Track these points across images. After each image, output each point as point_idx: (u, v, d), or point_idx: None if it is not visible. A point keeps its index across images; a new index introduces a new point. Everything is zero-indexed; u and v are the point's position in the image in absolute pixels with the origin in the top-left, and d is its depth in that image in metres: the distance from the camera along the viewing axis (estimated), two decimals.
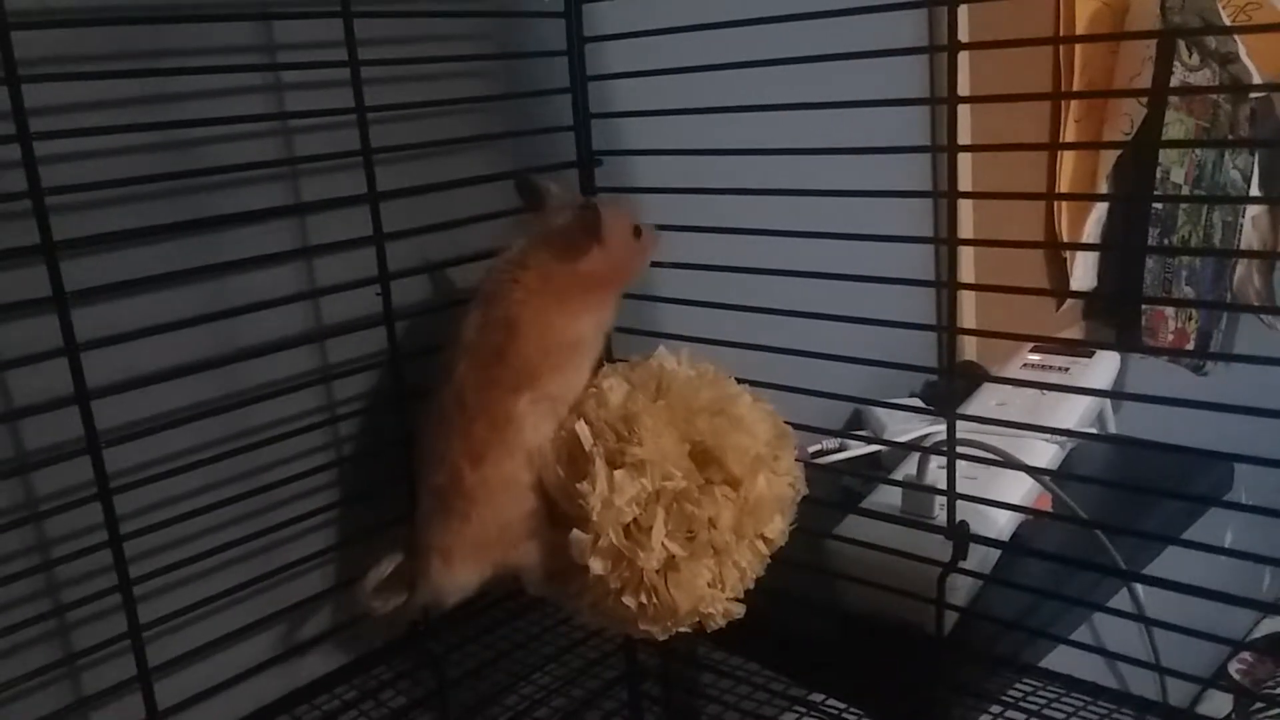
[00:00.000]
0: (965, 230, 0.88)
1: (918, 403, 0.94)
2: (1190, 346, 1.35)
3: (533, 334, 0.54)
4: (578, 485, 0.53)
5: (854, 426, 0.95)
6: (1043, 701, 0.56)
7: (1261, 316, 1.52)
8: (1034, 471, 0.72)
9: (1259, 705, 1.38)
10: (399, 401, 0.60)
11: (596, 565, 0.52)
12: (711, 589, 0.54)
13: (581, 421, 0.55)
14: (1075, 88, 1.15)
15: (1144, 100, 1.16)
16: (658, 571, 0.52)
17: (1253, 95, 1.31)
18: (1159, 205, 1.23)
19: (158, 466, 0.53)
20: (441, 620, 0.63)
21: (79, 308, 0.46)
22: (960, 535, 0.56)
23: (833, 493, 0.81)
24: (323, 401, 0.61)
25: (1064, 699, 0.56)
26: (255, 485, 0.57)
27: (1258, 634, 1.64)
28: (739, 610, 0.55)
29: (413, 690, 0.63)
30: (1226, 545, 0.51)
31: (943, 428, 0.82)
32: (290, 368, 0.59)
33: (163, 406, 0.53)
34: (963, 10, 0.53)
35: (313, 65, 0.57)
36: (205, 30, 0.54)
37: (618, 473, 0.52)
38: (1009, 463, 0.67)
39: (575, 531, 0.53)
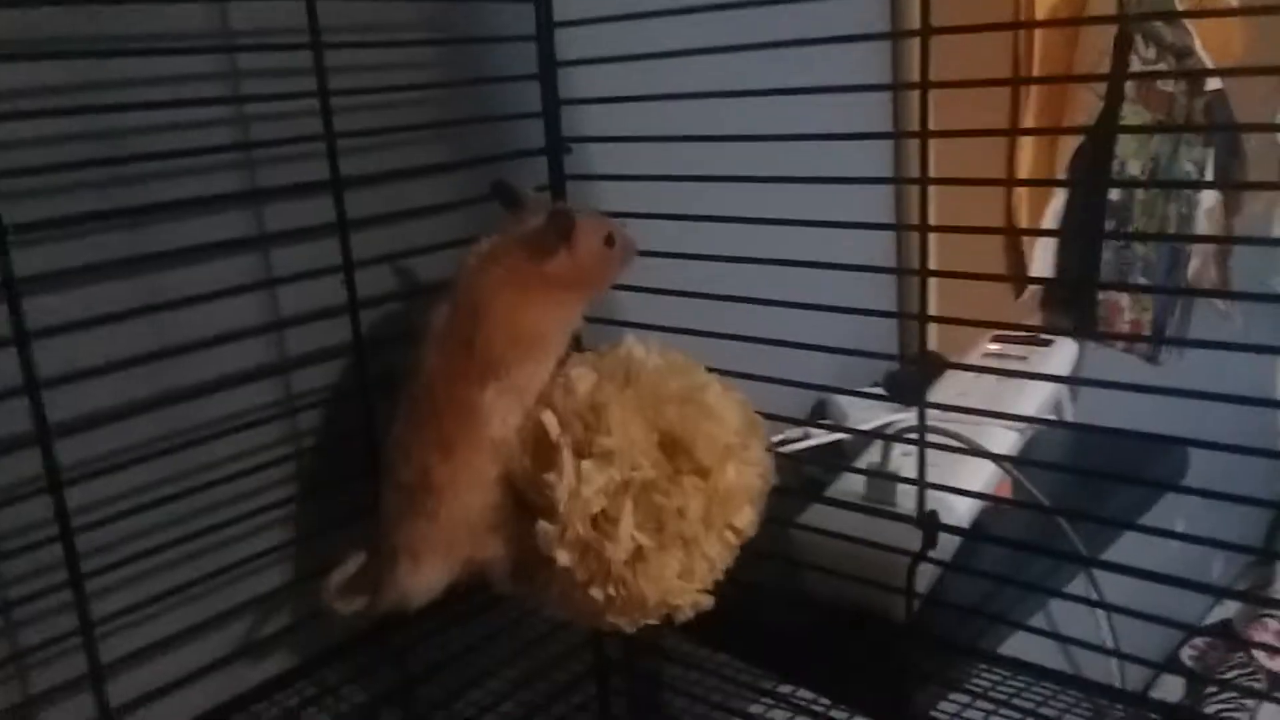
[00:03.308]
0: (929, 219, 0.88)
1: (883, 393, 0.94)
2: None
3: (500, 324, 0.54)
4: (544, 476, 0.52)
5: (817, 417, 0.95)
6: (1011, 691, 0.57)
7: (1217, 304, 1.55)
8: (1000, 459, 0.73)
9: (1211, 690, 1.41)
10: (363, 393, 0.59)
11: (563, 557, 0.52)
12: (680, 580, 0.53)
13: (548, 411, 0.54)
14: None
15: (1101, 94, 1.18)
16: (626, 563, 0.52)
17: (1208, 89, 1.33)
18: (1115, 196, 1.25)
19: (112, 459, 0.52)
20: (404, 614, 0.62)
21: (29, 297, 0.45)
22: (930, 524, 0.56)
23: (797, 482, 0.81)
24: (282, 394, 0.60)
25: (1033, 688, 0.56)
26: (212, 478, 0.55)
27: (1209, 620, 1.68)
28: (708, 601, 0.55)
29: (375, 686, 0.62)
30: (1179, 532, 0.52)
31: (905, 417, 0.83)
32: (250, 359, 0.58)
33: (118, 398, 0.52)
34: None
35: (274, 48, 0.56)
36: (157, 12, 0.52)
37: (585, 463, 0.52)
38: (978, 451, 0.67)
39: (542, 523, 0.52)
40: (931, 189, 0.53)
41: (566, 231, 0.55)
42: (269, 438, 0.59)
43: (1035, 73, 1.15)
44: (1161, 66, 1.24)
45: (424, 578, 0.54)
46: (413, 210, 0.62)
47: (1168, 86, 1.30)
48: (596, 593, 0.52)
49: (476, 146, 0.65)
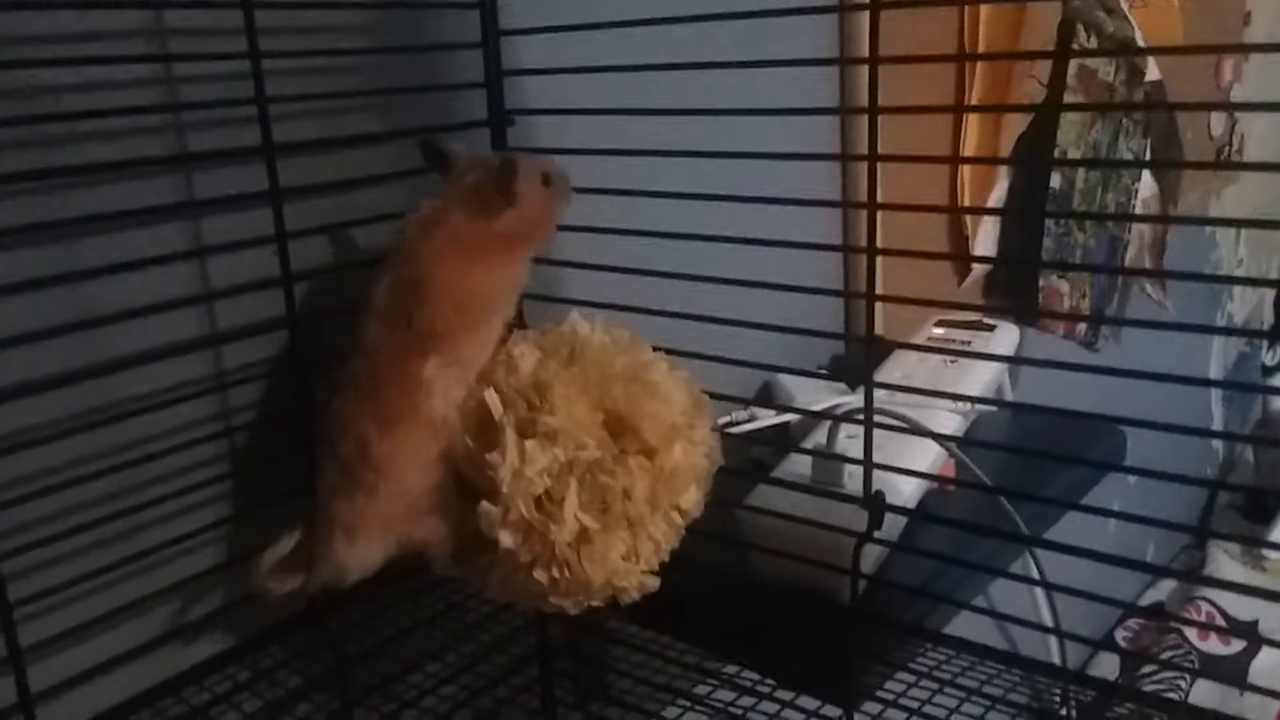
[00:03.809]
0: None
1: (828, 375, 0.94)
2: (1083, 325, 1.40)
3: (444, 293, 0.52)
4: (487, 456, 0.51)
5: (762, 399, 0.95)
6: (955, 670, 0.57)
7: (1152, 295, 1.58)
8: (945, 440, 0.73)
9: (1146, 670, 1.44)
10: (295, 368, 0.57)
11: (506, 539, 0.50)
12: (625, 561, 0.53)
13: (491, 390, 0.53)
14: (978, 70, 1.16)
15: (1044, 81, 1.19)
16: (570, 545, 0.51)
17: (1147, 79, 1.35)
18: (1056, 184, 1.26)
19: (30, 434, 0.49)
20: (341, 597, 0.60)
21: None
22: (876, 505, 0.56)
23: (742, 463, 0.80)
24: (212, 369, 0.58)
25: (977, 667, 0.57)
26: (137, 455, 0.53)
27: (1142, 602, 1.71)
28: (654, 583, 0.54)
29: (310, 670, 0.61)
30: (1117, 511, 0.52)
31: (851, 399, 0.83)
32: (178, 332, 0.56)
33: (36, 371, 0.50)
34: None
35: (203, 4, 0.54)
36: None
37: (528, 442, 0.50)
38: (924, 432, 0.67)
39: (484, 504, 0.51)
40: (879, 172, 0.53)
41: (509, 187, 0.53)
42: (198, 414, 0.57)
43: (980, 65, 1.16)
44: (1103, 59, 1.26)
45: (360, 554, 0.53)
46: (350, 180, 0.60)
47: (1107, 77, 1.32)
48: (540, 575, 0.51)
49: (418, 116, 0.63)
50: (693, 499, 0.56)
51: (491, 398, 0.52)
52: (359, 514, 0.52)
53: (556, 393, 0.52)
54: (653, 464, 0.53)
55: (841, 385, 0.90)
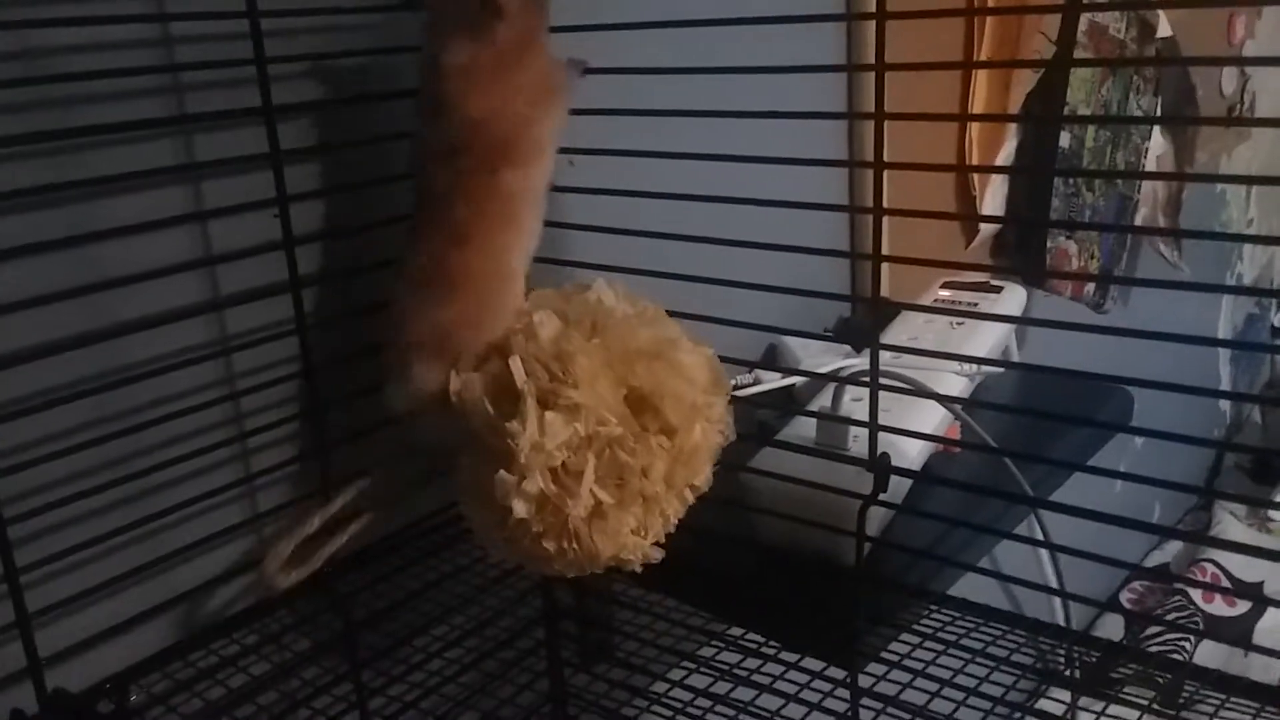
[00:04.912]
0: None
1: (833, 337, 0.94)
2: (1091, 286, 1.39)
3: (488, 116, 0.53)
4: (506, 424, 0.50)
5: (767, 362, 0.94)
6: (960, 631, 0.57)
7: (1165, 254, 1.56)
8: (950, 402, 0.73)
9: (1151, 631, 1.45)
10: (300, 329, 0.57)
11: (520, 508, 0.50)
12: (634, 536, 0.53)
13: (515, 357, 0.52)
14: (986, 27, 1.15)
15: (1053, 39, 1.17)
16: (584, 519, 0.51)
17: (1158, 36, 1.33)
18: (1065, 144, 1.25)
19: (37, 399, 0.49)
20: (348, 561, 0.61)
21: None
22: (881, 467, 0.56)
23: (747, 426, 0.80)
24: (217, 334, 0.57)
25: (981, 629, 0.57)
26: (142, 420, 0.53)
27: (1148, 564, 1.72)
28: (658, 555, 0.54)
29: (317, 633, 0.61)
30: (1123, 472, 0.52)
31: (857, 361, 0.83)
32: (182, 299, 0.55)
33: (33, 338, 0.49)
34: None
35: None
36: None
37: (549, 414, 0.50)
38: (928, 394, 0.67)
39: (502, 473, 0.50)
40: (886, 131, 0.52)
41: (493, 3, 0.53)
42: (204, 379, 0.57)
43: (989, 21, 1.14)
44: (1114, 14, 1.24)
45: (435, 374, 0.54)
46: (351, 141, 0.59)
47: (1118, 33, 1.30)
48: (550, 544, 0.51)
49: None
50: (706, 476, 0.56)
51: (515, 364, 0.51)
52: (433, 328, 0.54)
53: (580, 365, 0.51)
54: (673, 444, 0.53)
55: (847, 348, 0.89)
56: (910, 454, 0.70)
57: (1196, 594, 1.63)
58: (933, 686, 0.54)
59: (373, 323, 0.57)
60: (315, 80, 0.58)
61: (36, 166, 0.49)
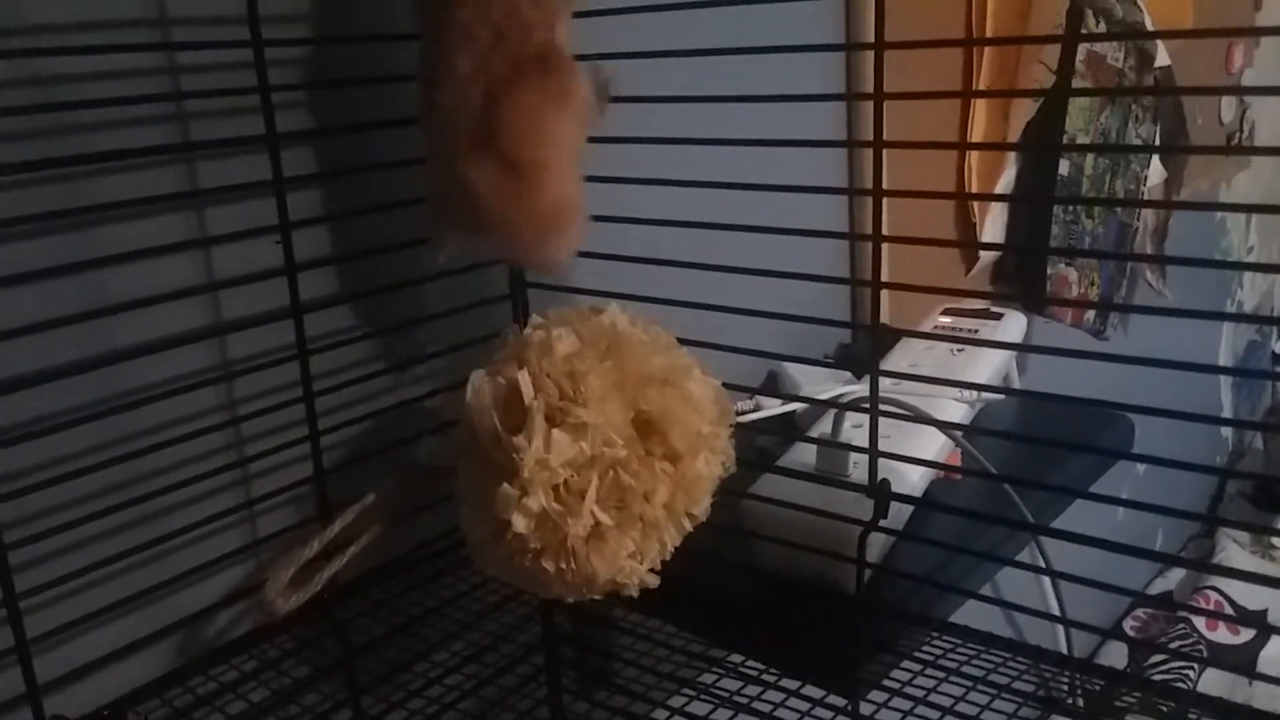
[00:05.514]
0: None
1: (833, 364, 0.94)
2: (1091, 313, 1.39)
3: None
4: (513, 439, 0.50)
5: (768, 388, 0.94)
6: (961, 659, 0.56)
7: (1151, 285, 1.57)
8: (951, 428, 0.73)
9: (1154, 660, 1.44)
10: (301, 352, 0.57)
11: (519, 523, 0.50)
12: (631, 560, 0.52)
13: (524, 372, 0.52)
14: (985, 57, 1.16)
15: (1052, 67, 1.18)
16: (583, 539, 0.50)
17: (1156, 65, 1.34)
18: (1064, 172, 1.25)
19: (38, 424, 0.50)
20: (348, 587, 0.60)
21: None
22: (882, 494, 0.56)
23: (748, 452, 0.80)
24: (218, 359, 0.58)
25: (983, 655, 0.56)
26: (143, 445, 0.53)
27: (1151, 591, 1.71)
28: (654, 581, 0.54)
29: (317, 659, 0.61)
30: (1124, 499, 0.52)
31: (857, 388, 0.83)
32: (184, 324, 0.56)
33: (36, 363, 0.50)
34: None
35: None
36: None
37: (556, 431, 0.50)
38: (929, 420, 0.67)
39: (505, 486, 0.50)
40: (885, 160, 0.52)
41: None
42: (207, 404, 0.57)
43: (988, 50, 1.15)
44: (1112, 45, 1.25)
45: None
46: (353, 167, 0.60)
47: (1116, 62, 1.31)
48: (547, 564, 0.51)
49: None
50: (705, 505, 0.56)
51: (524, 379, 0.51)
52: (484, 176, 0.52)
53: (591, 386, 0.51)
54: (676, 470, 0.53)
55: (848, 374, 0.89)
56: (911, 480, 0.70)
57: (1200, 621, 1.62)
58: (934, 714, 0.54)
59: (372, 346, 0.58)
60: (318, 108, 0.59)
61: (43, 193, 0.50)
